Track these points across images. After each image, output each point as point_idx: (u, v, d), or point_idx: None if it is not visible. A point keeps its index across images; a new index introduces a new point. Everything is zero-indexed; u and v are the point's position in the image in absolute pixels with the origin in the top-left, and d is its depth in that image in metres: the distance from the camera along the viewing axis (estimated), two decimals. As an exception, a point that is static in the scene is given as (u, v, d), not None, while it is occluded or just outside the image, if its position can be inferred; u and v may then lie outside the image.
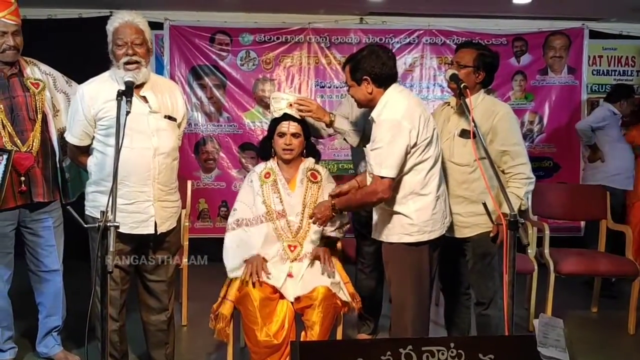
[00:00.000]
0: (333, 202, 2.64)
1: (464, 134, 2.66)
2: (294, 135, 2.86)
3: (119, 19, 2.53)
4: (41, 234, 2.92)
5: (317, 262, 2.81)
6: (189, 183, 3.96)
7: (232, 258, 2.79)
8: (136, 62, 2.50)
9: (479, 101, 2.72)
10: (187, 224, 3.71)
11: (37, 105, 2.82)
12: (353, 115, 3.04)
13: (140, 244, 2.65)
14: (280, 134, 2.87)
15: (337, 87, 5.10)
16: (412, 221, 2.49)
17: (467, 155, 2.65)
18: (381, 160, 2.42)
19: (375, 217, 2.65)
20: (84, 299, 3.50)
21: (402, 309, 2.58)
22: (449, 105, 2.84)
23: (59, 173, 2.91)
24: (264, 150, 3.00)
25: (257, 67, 5.10)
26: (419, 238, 2.50)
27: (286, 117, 2.86)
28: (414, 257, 2.53)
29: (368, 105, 2.59)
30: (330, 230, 2.89)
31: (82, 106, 2.55)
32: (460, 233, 2.75)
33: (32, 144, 2.79)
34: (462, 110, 2.64)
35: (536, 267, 3.63)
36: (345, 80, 2.63)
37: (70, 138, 2.64)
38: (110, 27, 2.54)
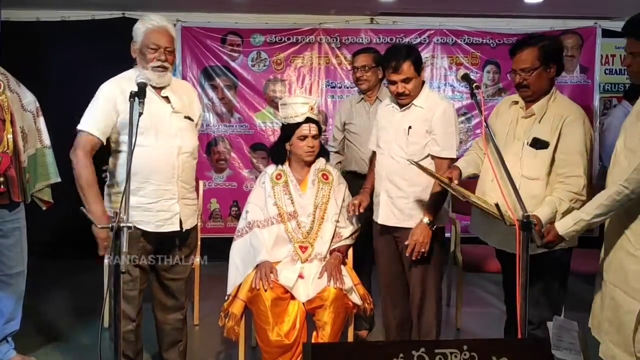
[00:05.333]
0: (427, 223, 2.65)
1: (536, 143, 2.44)
2: (314, 137, 2.88)
3: (154, 22, 2.55)
4: (10, 235, 2.88)
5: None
6: (201, 183, 3.98)
7: (234, 275, 2.82)
8: (165, 67, 2.54)
9: (551, 101, 2.48)
10: (199, 223, 3.73)
11: (4, 105, 2.78)
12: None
13: (164, 242, 2.67)
14: (302, 137, 2.87)
15: (347, 87, 5.09)
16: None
17: (538, 167, 2.43)
18: (452, 143, 2.74)
19: (403, 203, 2.75)
20: (95, 298, 3.59)
21: (429, 303, 2.79)
22: (517, 104, 2.60)
23: (23, 173, 2.87)
24: (278, 154, 2.99)
25: (268, 67, 5.11)
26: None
27: (307, 119, 2.87)
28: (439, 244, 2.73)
29: (413, 96, 2.78)
30: (345, 237, 2.91)
31: (108, 99, 2.53)
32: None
33: (7, 144, 2.75)
34: (533, 114, 2.49)
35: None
36: (399, 77, 2.72)
37: (94, 130, 2.50)
38: (142, 27, 2.55)
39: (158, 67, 2.53)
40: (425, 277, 2.81)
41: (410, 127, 2.75)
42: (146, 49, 2.53)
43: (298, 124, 2.87)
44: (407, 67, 2.70)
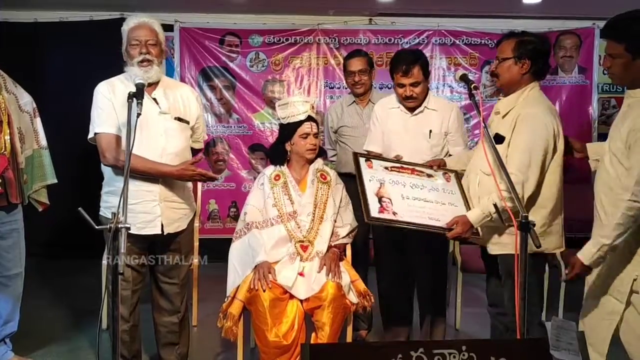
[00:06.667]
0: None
1: (496, 139, 2.38)
2: (315, 135, 2.90)
3: (135, 20, 2.60)
4: (8, 237, 2.86)
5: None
6: (199, 184, 3.97)
7: (233, 277, 2.82)
8: (149, 60, 2.55)
9: (521, 99, 2.43)
10: (197, 224, 3.72)
11: (1, 107, 2.76)
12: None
13: (150, 244, 2.67)
14: (304, 135, 2.88)
15: (346, 88, 5.04)
16: None
17: (491, 162, 2.34)
18: (467, 140, 3.00)
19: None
20: (93, 299, 3.58)
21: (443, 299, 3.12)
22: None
23: (20, 174, 2.85)
24: (277, 154, 2.98)
25: (266, 68, 5.11)
26: None
27: (308, 117, 2.88)
28: None
29: (420, 100, 2.89)
30: (342, 236, 2.91)
31: (108, 97, 2.56)
32: (489, 249, 2.52)
33: (5, 146, 2.74)
34: (499, 112, 2.48)
35: (547, 268, 3.60)
36: (414, 79, 2.83)
37: (109, 128, 2.53)
38: (125, 27, 2.61)
39: (141, 61, 2.54)
40: (441, 275, 3.04)
41: (431, 131, 2.88)
42: (129, 47, 2.58)
43: (300, 123, 2.87)
44: (417, 71, 2.81)
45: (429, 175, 2.64)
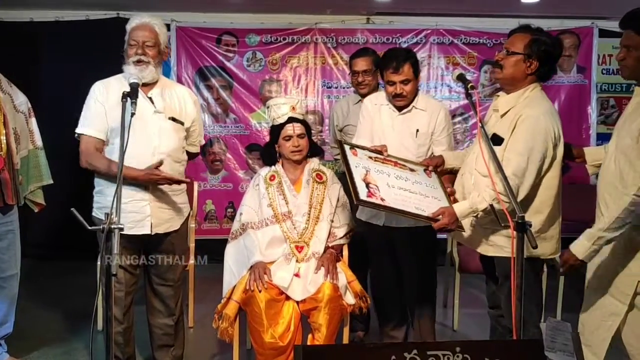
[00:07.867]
0: None
1: (493, 139, 2.32)
2: (299, 136, 2.87)
3: (136, 20, 2.62)
4: (3, 238, 2.84)
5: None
6: (196, 184, 3.97)
7: (229, 277, 2.80)
8: (145, 61, 2.56)
9: (522, 99, 2.35)
10: (193, 225, 3.71)
11: None
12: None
13: (145, 245, 2.65)
14: (287, 137, 2.87)
15: (343, 88, 5.07)
16: None
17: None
18: (453, 142, 2.99)
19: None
20: (89, 300, 3.56)
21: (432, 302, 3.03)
22: (499, 97, 2.50)
23: (16, 175, 2.84)
24: (268, 156, 2.99)
25: (263, 67, 5.10)
26: None
27: (289, 119, 2.86)
28: None
29: (409, 98, 2.83)
30: (339, 237, 2.89)
31: (99, 99, 2.58)
32: (484, 250, 2.50)
33: (1, 146, 2.73)
34: (497, 109, 2.44)
35: (545, 269, 3.58)
36: (404, 77, 2.77)
37: (90, 131, 2.58)
38: (128, 27, 2.63)
39: (137, 61, 2.55)
40: (429, 276, 2.99)
41: (417, 130, 2.84)
42: (128, 47, 2.60)
43: (282, 125, 2.87)
44: (407, 69, 2.77)
45: (412, 170, 2.65)
